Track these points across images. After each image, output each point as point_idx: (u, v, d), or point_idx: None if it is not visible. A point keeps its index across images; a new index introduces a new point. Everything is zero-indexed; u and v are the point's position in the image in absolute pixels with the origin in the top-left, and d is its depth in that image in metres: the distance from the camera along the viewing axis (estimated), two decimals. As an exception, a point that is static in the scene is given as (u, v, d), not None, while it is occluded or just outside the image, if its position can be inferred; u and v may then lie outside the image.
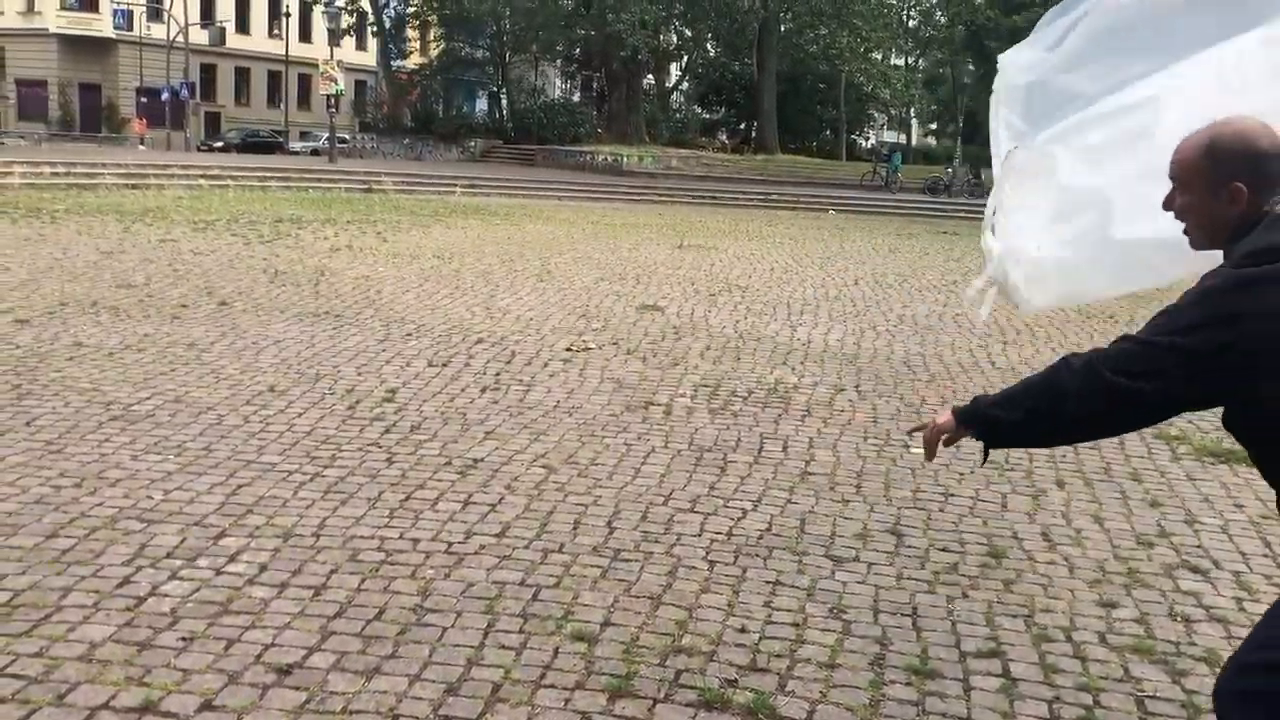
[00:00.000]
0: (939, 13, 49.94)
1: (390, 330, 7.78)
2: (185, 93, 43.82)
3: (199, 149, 42.32)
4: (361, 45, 55.26)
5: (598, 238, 16.09)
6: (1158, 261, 2.51)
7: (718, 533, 4.11)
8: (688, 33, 45.93)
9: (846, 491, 4.70)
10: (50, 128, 47.95)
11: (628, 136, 40.79)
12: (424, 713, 2.74)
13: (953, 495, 4.70)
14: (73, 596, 3.26)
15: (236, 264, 10.78)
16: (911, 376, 7.13)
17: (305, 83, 54.73)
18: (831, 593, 3.61)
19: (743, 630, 3.29)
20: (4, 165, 20.78)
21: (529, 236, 15.63)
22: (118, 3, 49.93)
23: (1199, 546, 4.22)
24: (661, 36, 44.04)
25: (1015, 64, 2.83)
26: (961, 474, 4.98)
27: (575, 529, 4.07)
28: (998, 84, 2.87)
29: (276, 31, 53.61)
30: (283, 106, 53.03)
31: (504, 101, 48.42)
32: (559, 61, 52.54)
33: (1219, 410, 1.97)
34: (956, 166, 36.78)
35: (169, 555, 3.61)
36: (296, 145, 47.15)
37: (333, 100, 35.73)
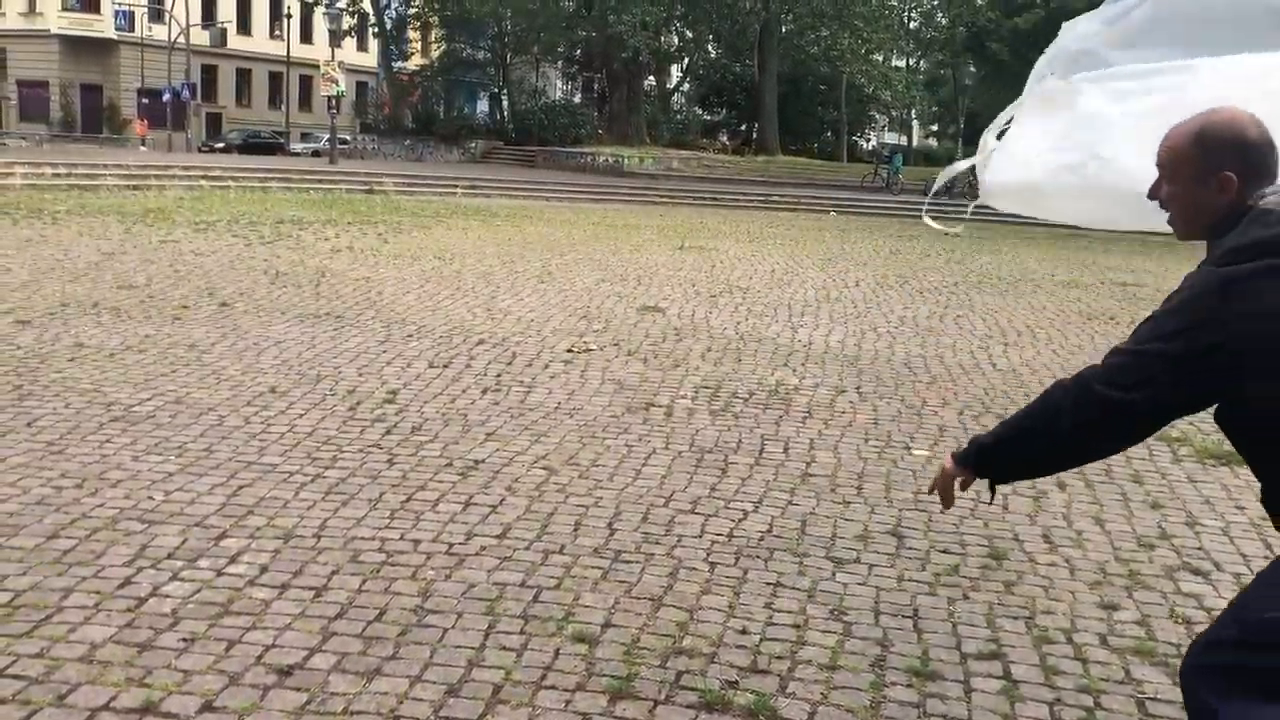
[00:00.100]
0: (940, 14, 50.04)
1: (391, 331, 7.78)
2: (186, 94, 43.82)
3: (200, 150, 42.35)
4: (363, 46, 55.32)
5: (599, 239, 16.09)
6: (1120, 210, 2.56)
7: (719, 534, 4.11)
8: (689, 34, 45.97)
9: (847, 493, 4.70)
10: (52, 129, 48.00)
11: (629, 138, 40.80)
12: (425, 714, 2.74)
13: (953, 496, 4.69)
14: (74, 597, 3.26)
15: (237, 265, 10.79)
16: (913, 378, 7.13)
17: (306, 84, 54.79)
18: (832, 594, 3.61)
19: (743, 631, 3.29)
20: (6, 166, 20.79)
21: (530, 238, 15.64)
22: (119, 3, 49.98)
23: (1200, 548, 4.22)
24: (662, 38, 44.06)
25: (1073, 31, 2.93)
26: (962, 475, 4.98)
27: (576, 530, 4.07)
28: (1052, 46, 2.96)
29: (278, 32, 53.64)
30: (284, 107, 53.06)
31: (505, 103, 48.42)
32: (560, 63, 52.57)
33: None
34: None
35: (170, 556, 3.61)
36: (297, 146, 47.20)
37: (334, 101, 35.72)
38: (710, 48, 48.86)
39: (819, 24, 41.47)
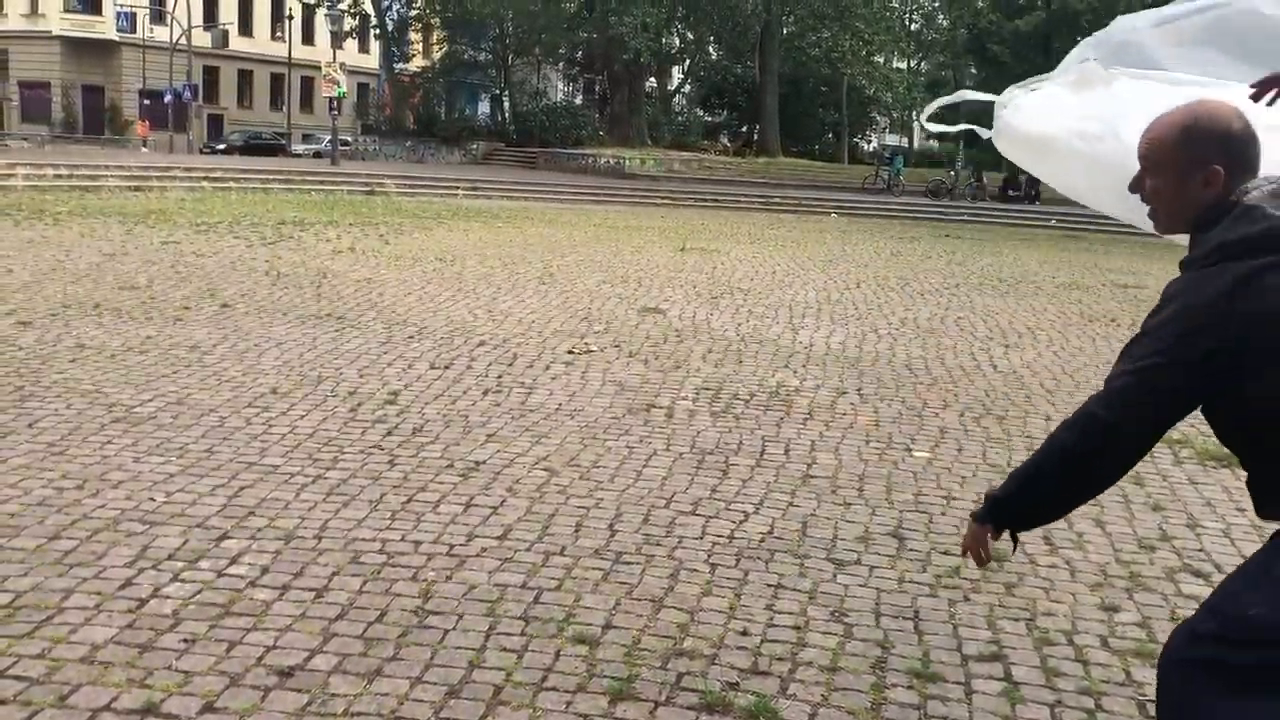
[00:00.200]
0: (941, 16, 50.04)
1: (392, 332, 7.79)
2: (188, 95, 43.84)
3: (201, 151, 42.37)
4: (364, 48, 55.37)
5: (600, 240, 16.10)
6: (1114, 199, 2.58)
7: (719, 535, 4.11)
8: (690, 36, 46.02)
9: (848, 495, 4.70)
10: (53, 130, 48.05)
11: (630, 139, 40.83)
12: (425, 715, 2.74)
13: (954, 498, 4.70)
14: (74, 598, 3.26)
15: (239, 266, 10.79)
16: (914, 380, 7.13)
17: (308, 85, 54.78)
18: (833, 596, 3.61)
19: (744, 633, 3.29)
20: (7, 167, 20.82)
21: (531, 239, 15.64)
22: (121, 5, 50.03)
23: (1201, 550, 4.22)
24: (664, 39, 44.06)
25: (1122, 24, 2.95)
26: (963, 477, 4.98)
27: (577, 532, 4.07)
28: (1100, 32, 3.02)
29: (279, 34, 53.67)
30: (285, 109, 53.12)
31: (506, 104, 48.44)
32: (561, 64, 52.60)
33: None
34: (959, 170, 36.74)
35: (171, 557, 3.61)
36: (299, 148, 47.21)
37: (335, 103, 35.76)
38: (711, 49, 48.89)
39: (820, 26, 41.52)
